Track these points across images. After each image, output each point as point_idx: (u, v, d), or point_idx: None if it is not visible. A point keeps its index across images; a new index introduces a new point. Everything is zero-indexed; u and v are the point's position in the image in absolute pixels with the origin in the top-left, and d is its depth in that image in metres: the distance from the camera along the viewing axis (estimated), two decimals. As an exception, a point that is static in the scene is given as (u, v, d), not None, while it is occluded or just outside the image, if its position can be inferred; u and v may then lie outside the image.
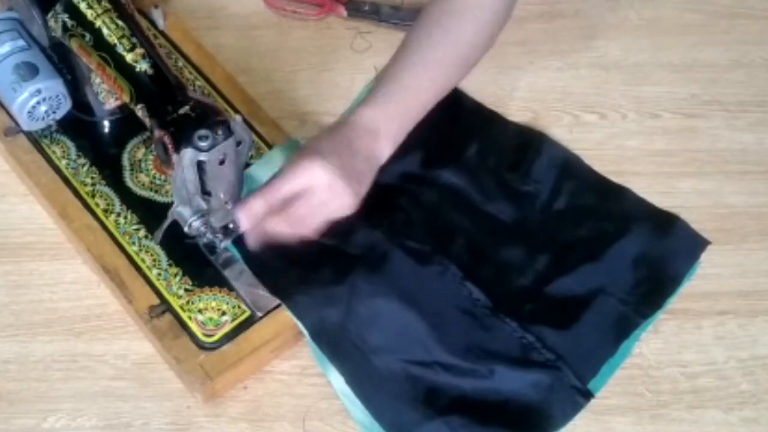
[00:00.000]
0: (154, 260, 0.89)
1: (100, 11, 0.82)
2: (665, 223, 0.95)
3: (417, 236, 0.91)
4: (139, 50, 0.81)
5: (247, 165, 0.91)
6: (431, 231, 0.92)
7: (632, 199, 0.97)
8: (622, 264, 0.92)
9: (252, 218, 0.86)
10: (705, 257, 0.95)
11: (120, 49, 0.82)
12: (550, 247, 0.93)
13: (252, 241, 0.87)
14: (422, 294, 0.87)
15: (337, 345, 0.84)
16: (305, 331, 0.85)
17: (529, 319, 0.88)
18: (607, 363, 0.86)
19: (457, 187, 0.96)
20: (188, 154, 0.76)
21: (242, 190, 0.85)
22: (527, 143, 1.01)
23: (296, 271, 0.87)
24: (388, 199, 0.93)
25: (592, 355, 0.86)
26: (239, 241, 0.87)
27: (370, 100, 0.91)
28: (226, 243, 0.86)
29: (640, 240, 0.93)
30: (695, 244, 0.94)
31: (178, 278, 0.88)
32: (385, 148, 0.90)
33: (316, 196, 0.86)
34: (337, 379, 0.84)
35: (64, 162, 0.94)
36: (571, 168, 0.99)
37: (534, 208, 0.96)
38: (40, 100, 0.91)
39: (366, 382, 0.84)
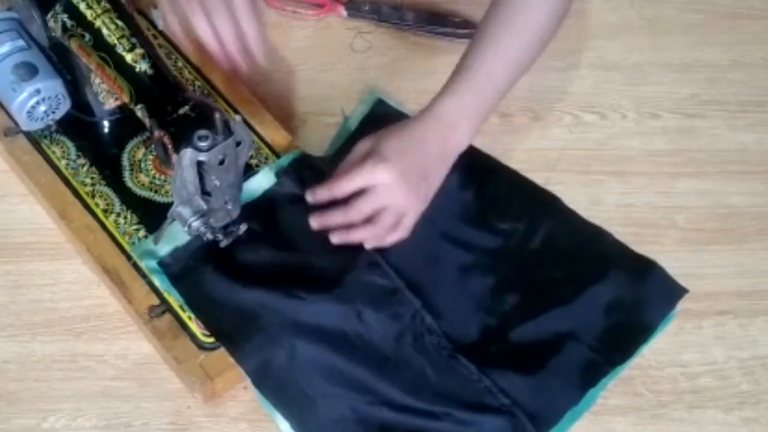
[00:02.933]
0: (154, 260, 0.88)
1: (99, 11, 0.82)
2: (642, 269, 0.92)
3: (380, 270, 0.88)
4: (139, 50, 0.81)
5: (248, 165, 0.91)
6: (396, 263, 0.89)
7: (611, 243, 0.94)
8: (594, 309, 0.89)
9: (314, 201, 0.89)
10: (705, 257, 0.95)
11: (120, 50, 0.82)
12: (522, 287, 0.90)
13: (316, 224, 0.88)
14: (374, 334, 0.85)
15: (281, 389, 0.81)
16: (247, 377, 0.82)
17: (493, 362, 0.85)
18: (571, 411, 0.84)
19: (431, 217, 0.92)
20: (188, 155, 0.76)
21: (240, 192, 0.85)
22: (506, 183, 0.98)
23: (238, 312, 0.84)
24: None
25: (555, 402, 0.84)
26: (179, 283, 0.85)
27: (445, 91, 0.90)
28: (226, 243, 0.86)
29: (615, 285, 0.90)
30: (672, 293, 0.92)
31: (178, 278, 0.88)
32: (462, 138, 0.90)
33: (381, 197, 0.87)
34: (283, 423, 0.81)
35: (63, 162, 0.94)
36: (549, 209, 0.96)
37: (509, 247, 0.93)
38: (39, 100, 0.90)
39: (312, 428, 0.81)
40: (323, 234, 0.89)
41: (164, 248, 0.87)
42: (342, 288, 0.86)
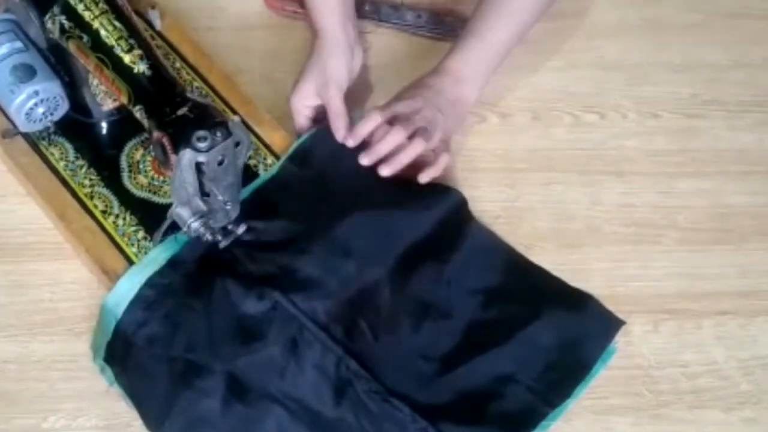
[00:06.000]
0: (154, 261, 0.88)
1: (97, 13, 0.82)
2: (577, 303, 0.90)
3: (298, 322, 0.84)
4: (137, 51, 0.81)
5: (246, 166, 0.91)
6: (314, 314, 0.85)
7: (544, 278, 0.91)
8: (532, 349, 0.86)
9: (372, 124, 0.95)
10: (705, 257, 0.95)
11: (118, 51, 0.82)
12: (458, 330, 0.87)
13: (367, 159, 0.93)
14: (303, 394, 0.82)
15: None
16: None
17: (430, 411, 0.82)
18: None
19: (355, 266, 0.88)
20: (187, 155, 0.76)
21: (240, 192, 0.85)
22: (444, 221, 0.93)
23: (167, 393, 0.81)
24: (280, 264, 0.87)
25: None
26: (121, 373, 0.83)
27: (451, 51, 1.00)
28: (225, 244, 0.86)
29: (551, 323, 0.87)
30: (609, 325, 0.88)
31: (177, 279, 0.87)
32: (470, 91, 0.99)
33: (416, 119, 0.94)
34: None
35: (62, 164, 0.94)
36: (480, 246, 0.93)
37: (442, 289, 0.89)
38: (37, 101, 0.90)
39: None
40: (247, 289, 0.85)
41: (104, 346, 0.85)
42: (263, 346, 0.83)
